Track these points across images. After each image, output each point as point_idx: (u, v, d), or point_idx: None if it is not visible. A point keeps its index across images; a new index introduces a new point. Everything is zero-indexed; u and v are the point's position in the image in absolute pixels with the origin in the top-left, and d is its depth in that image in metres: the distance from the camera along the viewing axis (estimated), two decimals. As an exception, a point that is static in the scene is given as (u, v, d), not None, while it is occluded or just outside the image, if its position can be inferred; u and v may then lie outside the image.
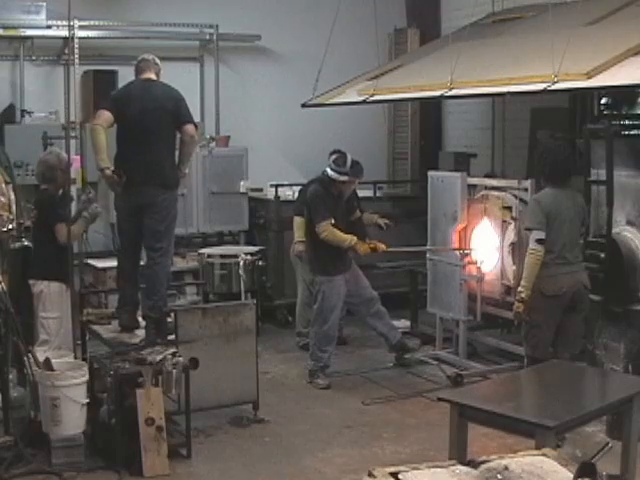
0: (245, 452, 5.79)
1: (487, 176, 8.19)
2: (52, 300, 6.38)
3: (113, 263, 7.57)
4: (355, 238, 7.08)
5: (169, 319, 6.19)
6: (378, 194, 9.65)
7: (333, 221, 7.04)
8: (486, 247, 7.33)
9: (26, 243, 6.68)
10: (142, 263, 6.45)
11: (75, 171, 8.16)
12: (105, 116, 6.11)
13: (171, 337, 6.06)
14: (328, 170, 7.15)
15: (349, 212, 7.36)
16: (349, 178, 7.14)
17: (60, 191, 6.55)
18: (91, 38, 9.22)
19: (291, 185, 9.19)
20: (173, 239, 6.44)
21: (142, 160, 6.10)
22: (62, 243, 6.24)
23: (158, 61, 6.39)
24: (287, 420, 6.40)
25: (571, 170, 6.12)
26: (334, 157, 7.39)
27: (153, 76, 6.33)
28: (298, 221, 7.91)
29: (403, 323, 8.37)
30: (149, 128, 6.13)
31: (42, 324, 6.36)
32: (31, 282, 6.41)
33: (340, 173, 7.10)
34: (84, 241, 8.05)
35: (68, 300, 6.38)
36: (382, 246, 7.23)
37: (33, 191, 8.54)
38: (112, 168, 6.08)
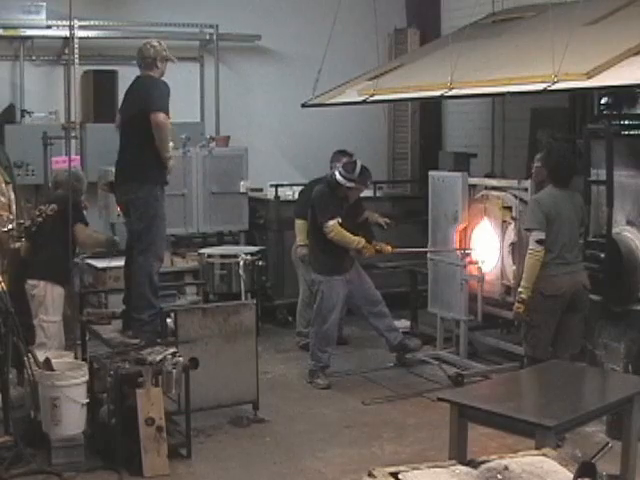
0: (245, 452, 5.78)
1: (487, 176, 8.19)
2: (55, 304, 6.40)
3: (113, 263, 7.58)
4: (363, 240, 7.08)
5: (169, 319, 6.19)
6: (378, 194, 9.63)
7: (340, 220, 7.04)
8: (486, 247, 7.33)
9: (26, 243, 6.69)
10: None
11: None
12: None
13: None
14: (336, 173, 7.14)
15: (356, 215, 7.33)
16: (355, 185, 7.12)
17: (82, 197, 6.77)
18: (91, 38, 9.23)
19: (291, 185, 9.19)
20: (158, 240, 6.20)
21: (119, 159, 6.28)
22: (78, 243, 6.48)
23: (147, 51, 6.20)
24: (287, 420, 6.39)
25: (574, 171, 6.13)
26: (344, 161, 7.37)
27: (145, 72, 6.23)
28: (300, 224, 7.89)
29: (403, 323, 8.36)
30: (122, 129, 6.26)
31: (42, 327, 6.35)
32: (31, 282, 6.40)
33: (347, 179, 7.08)
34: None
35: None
36: (387, 248, 7.23)
37: (33, 191, 8.59)
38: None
